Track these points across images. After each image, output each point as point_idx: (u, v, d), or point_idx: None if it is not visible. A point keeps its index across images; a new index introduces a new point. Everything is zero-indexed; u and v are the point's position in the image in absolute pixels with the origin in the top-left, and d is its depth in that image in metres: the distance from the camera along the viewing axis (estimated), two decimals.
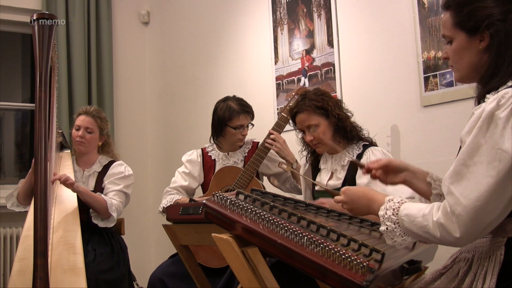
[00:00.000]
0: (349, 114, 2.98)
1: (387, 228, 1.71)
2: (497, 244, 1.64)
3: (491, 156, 1.53)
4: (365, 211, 1.89)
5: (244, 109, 3.50)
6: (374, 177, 2.07)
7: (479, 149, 1.55)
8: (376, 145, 2.94)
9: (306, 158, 3.13)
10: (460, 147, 1.68)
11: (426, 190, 1.96)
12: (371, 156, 2.78)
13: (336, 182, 2.89)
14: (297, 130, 3.06)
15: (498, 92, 1.61)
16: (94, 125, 3.67)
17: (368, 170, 2.09)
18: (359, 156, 2.86)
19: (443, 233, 1.56)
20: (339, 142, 2.93)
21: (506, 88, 1.61)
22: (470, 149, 1.57)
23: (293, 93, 3.47)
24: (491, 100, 1.59)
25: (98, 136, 3.71)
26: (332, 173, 2.93)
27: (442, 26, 1.86)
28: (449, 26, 1.80)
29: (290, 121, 3.10)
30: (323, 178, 2.96)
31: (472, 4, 1.74)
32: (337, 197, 1.97)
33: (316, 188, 3.01)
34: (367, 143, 2.93)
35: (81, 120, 3.67)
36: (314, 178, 3.04)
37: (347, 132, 2.91)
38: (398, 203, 1.72)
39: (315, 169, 3.07)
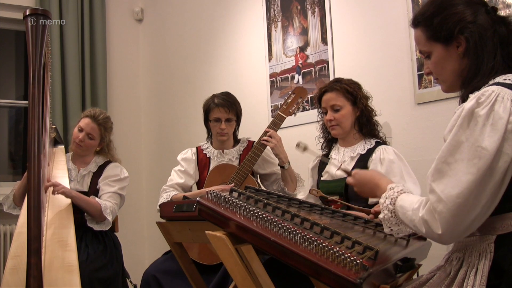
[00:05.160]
0: (374, 112, 3.04)
1: (384, 216, 1.77)
2: (487, 241, 1.65)
3: (471, 153, 1.55)
4: (371, 194, 1.95)
5: (221, 102, 3.50)
6: None
7: (460, 147, 1.58)
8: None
9: (322, 146, 3.18)
10: None
11: None
12: (383, 152, 2.83)
13: (343, 172, 2.91)
14: (320, 112, 3.10)
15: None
16: (96, 133, 3.65)
17: (376, 213, 2.11)
18: (370, 151, 2.90)
19: (428, 229, 1.61)
20: (356, 133, 2.99)
21: (487, 86, 1.64)
22: (451, 147, 1.60)
23: (290, 92, 3.48)
24: (471, 98, 1.63)
25: (97, 143, 3.70)
26: (341, 164, 2.96)
27: (416, 43, 1.92)
28: (424, 41, 1.85)
29: (315, 101, 3.15)
30: (332, 168, 2.99)
31: (441, 14, 1.79)
32: (348, 179, 2.06)
33: (322, 178, 3.05)
34: (380, 142, 2.97)
35: (85, 123, 3.63)
36: (323, 168, 3.07)
37: (368, 125, 2.98)
38: (397, 192, 1.77)
39: (324, 162, 3.09)
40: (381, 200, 1.79)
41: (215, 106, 3.49)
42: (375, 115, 3.04)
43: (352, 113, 2.97)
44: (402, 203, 1.72)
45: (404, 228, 1.76)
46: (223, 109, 3.48)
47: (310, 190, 2.97)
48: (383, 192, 1.81)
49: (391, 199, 1.76)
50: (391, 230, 1.77)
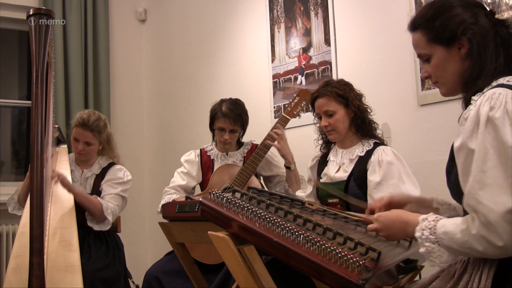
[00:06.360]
0: (368, 110, 2.99)
1: (427, 249, 1.65)
2: None
3: (502, 156, 1.54)
4: (401, 235, 1.80)
5: (227, 113, 3.45)
6: None
7: (488, 153, 1.56)
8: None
9: (321, 148, 3.15)
10: (451, 149, 1.70)
11: None
12: (382, 154, 2.78)
13: (342, 174, 2.90)
14: (315, 116, 3.07)
15: (483, 93, 1.64)
16: (93, 139, 3.60)
17: (371, 211, 2.08)
18: (369, 153, 2.86)
19: (486, 245, 1.53)
20: (353, 134, 2.95)
21: (491, 88, 1.64)
22: (481, 156, 1.57)
23: (295, 95, 3.47)
24: (483, 103, 1.61)
25: (98, 146, 3.67)
26: (339, 166, 2.94)
27: (415, 46, 1.88)
28: (424, 44, 1.83)
29: (310, 106, 3.11)
30: (331, 170, 2.97)
31: (442, 16, 1.79)
32: (370, 226, 1.88)
33: (321, 180, 3.03)
34: (378, 142, 2.93)
35: (78, 133, 3.58)
36: (321, 171, 3.05)
37: (364, 125, 2.94)
38: (434, 221, 1.66)
39: (323, 163, 3.07)
40: (418, 234, 1.67)
41: (221, 116, 3.46)
42: (370, 112, 2.99)
43: (346, 115, 2.92)
44: (444, 229, 1.61)
45: (451, 257, 1.65)
46: (228, 120, 3.45)
47: (308, 180, 2.95)
48: (415, 226, 1.69)
49: (430, 229, 1.65)
50: (436, 262, 1.66)
